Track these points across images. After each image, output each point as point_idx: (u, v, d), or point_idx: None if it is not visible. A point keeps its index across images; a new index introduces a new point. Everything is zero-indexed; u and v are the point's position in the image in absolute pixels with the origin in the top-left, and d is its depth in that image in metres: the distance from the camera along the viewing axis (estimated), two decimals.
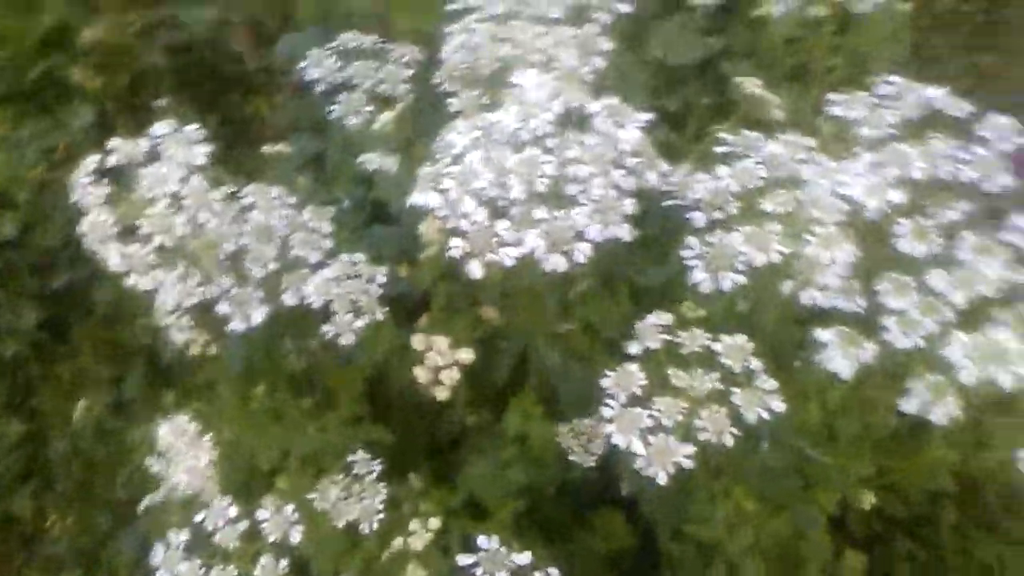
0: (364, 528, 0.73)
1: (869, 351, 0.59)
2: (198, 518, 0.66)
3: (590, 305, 0.70)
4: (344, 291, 0.73)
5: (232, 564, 0.64)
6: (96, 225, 0.62)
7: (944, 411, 0.57)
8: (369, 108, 0.87)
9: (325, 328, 0.73)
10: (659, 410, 0.55)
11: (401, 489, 0.80)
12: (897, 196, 0.60)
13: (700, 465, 0.91)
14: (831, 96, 0.68)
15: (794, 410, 0.81)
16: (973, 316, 0.58)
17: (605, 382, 0.57)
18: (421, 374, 0.64)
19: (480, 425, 0.98)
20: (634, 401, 0.56)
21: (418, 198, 0.60)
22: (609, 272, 0.71)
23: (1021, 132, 0.66)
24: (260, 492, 0.76)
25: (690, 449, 0.54)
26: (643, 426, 0.55)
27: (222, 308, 0.76)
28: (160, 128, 0.66)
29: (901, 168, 0.63)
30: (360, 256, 0.76)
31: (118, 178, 0.64)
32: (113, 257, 0.62)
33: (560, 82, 0.64)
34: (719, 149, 0.63)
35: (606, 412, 0.56)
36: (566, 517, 1.00)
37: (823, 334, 0.60)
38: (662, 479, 0.54)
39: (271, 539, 0.66)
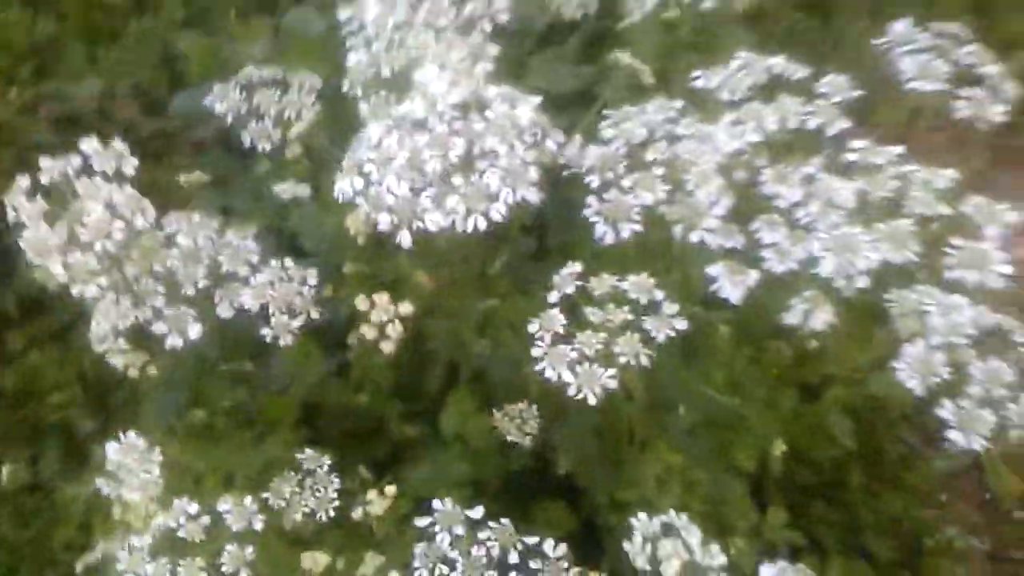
0: (321, 516, 0.76)
1: (752, 277, 0.68)
2: (158, 521, 0.69)
3: (507, 278, 0.76)
4: (279, 293, 0.78)
5: (198, 555, 0.67)
6: (37, 239, 0.65)
7: (822, 318, 0.66)
8: (277, 132, 0.94)
9: (264, 331, 0.78)
10: (581, 343, 0.62)
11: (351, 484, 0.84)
12: (754, 136, 0.70)
13: (624, 429, 0.99)
14: (695, 72, 0.78)
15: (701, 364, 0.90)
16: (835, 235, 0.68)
17: (531, 327, 0.64)
18: (367, 331, 0.69)
19: (418, 437, 1.03)
20: (558, 340, 0.63)
21: (343, 184, 0.66)
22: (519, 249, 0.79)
23: (852, 87, 0.79)
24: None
25: (612, 372, 0.61)
26: (569, 359, 0.62)
27: (158, 327, 0.79)
28: (87, 144, 0.71)
29: (758, 121, 0.73)
30: (289, 262, 0.81)
31: (50, 195, 0.68)
32: (56, 267, 0.65)
33: (457, 75, 0.71)
34: (604, 122, 0.72)
35: (535, 352, 0.63)
36: (510, 511, 1.05)
37: (712, 268, 0.69)
38: (592, 401, 0.61)
39: (235, 528, 0.69)
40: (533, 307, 0.85)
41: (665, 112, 0.72)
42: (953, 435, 0.69)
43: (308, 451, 0.80)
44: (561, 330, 0.63)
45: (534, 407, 0.93)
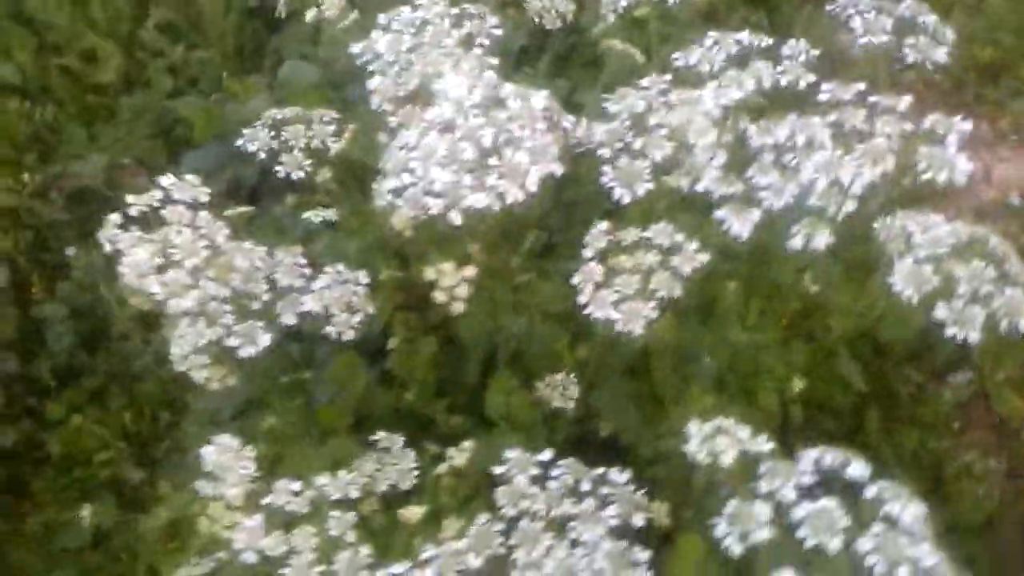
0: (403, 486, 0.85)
1: (756, 214, 0.79)
2: (266, 500, 0.77)
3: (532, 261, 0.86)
4: (338, 295, 0.88)
5: (309, 525, 0.75)
6: (135, 263, 0.74)
7: (821, 240, 0.77)
8: (308, 162, 1.04)
9: (328, 329, 0.87)
10: (620, 285, 0.72)
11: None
12: (737, 95, 0.81)
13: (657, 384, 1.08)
14: (674, 55, 0.89)
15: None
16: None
17: (574, 279, 0.74)
18: (440, 296, 0.78)
19: (464, 427, 1.12)
20: (599, 287, 0.73)
21: (391, 182, 0.76)
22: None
23: (811, 49, 0.90)
24: None
25: (652, 304, 0.71)
26: (612, 300, 0.72)
27: (231, 341, 0.88)
28: (166, 180, 0.81)
29: (738, 85, 0.85)
30: (340, 265, 0.91)
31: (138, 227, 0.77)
32: (153, 286, 0.74)
33: (473, 81, 0.82)
34: (604, 105, 0.83)
35: (581, 300, 0.73)
36: None
37: (719, 212, 0.79)
38: (639, 332, 0.71)
39: (335, 497, 0.77)
40: (555, 289, 0.95)
41: (657, 85, 0.83)
42: (950, 331, 0.78)
43: (382, 433, 0.89)
44: (600, 279, 0.73)
45: (572, 375, 1.02)
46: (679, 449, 1.08)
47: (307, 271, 0.93)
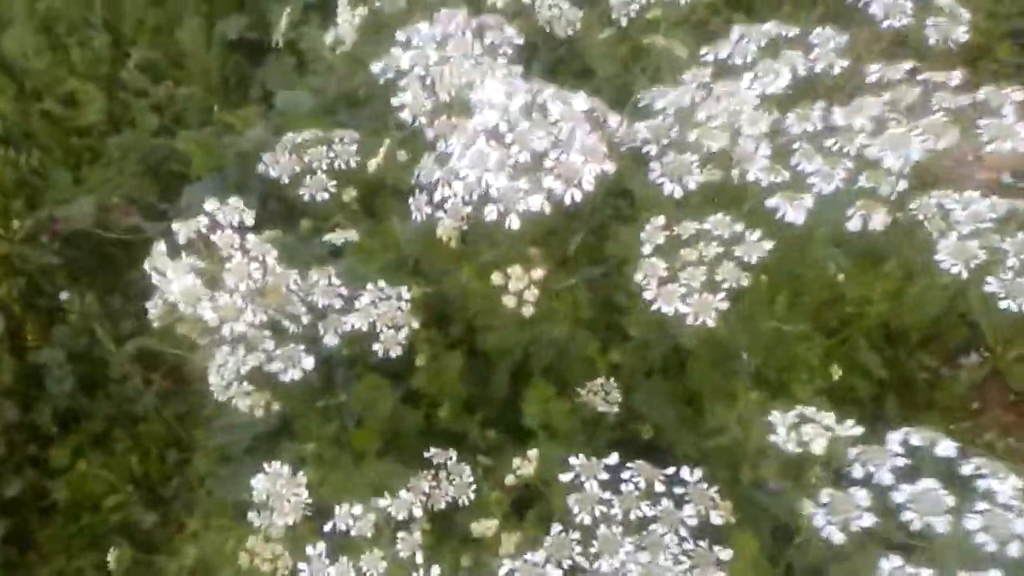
0: (463, 501, 0.83)
1: (808, 200, 0.78)
2: (328, 526, 0.75)
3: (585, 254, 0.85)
4: (383, 311, 0.86)
5: (375, 548, 0.73)
6: (187, 289, 0.71)
7: (879, 219, 0.77)
8: (332, 183, 1.02)
9: (375, 346, 0.85)
10: (687, 279, 0.71)
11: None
12: (782, 81, 0.81)
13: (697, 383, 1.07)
14: (704, 48, 0.89)
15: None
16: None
17: (637, 277, 0.73)
18: (508, 302, 0.76)
19: (498, 442, 1.10)
20: (664, 282, 0.72)
21: (443, 191, 0.75)
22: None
23: (840, 34, 0.90)
24: None
25: (721, 295, 0.70)
26: (680, 294, 0.71)
27: (274, 366, 0.86)
28: (210, 204, 0.78)
29: (774, 74, 0.85)
30: (382, 283, 0.89)
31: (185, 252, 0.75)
32: (207, 312, 0.71)
33: (510, 87, 0.81)
34: (641, 102, 0.83)
35: (647, 295, 0.72)
36: None
37: (770, 201, 0.79)
38: (710, 323, 0.70)
39: (400, 517, 0.75)
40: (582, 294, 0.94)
41: (699, 79, 0.82)
42: (1004, 304, 0.78)
43: (433, 449, 0.87)
44: (664, 273, 0.72)
45: (612, 379, 1.01)
46: (724, 445, 1.08)
47: (344, 291, 0.91)
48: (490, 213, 0.72)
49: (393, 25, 1.02)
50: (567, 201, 0.71)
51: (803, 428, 0.67)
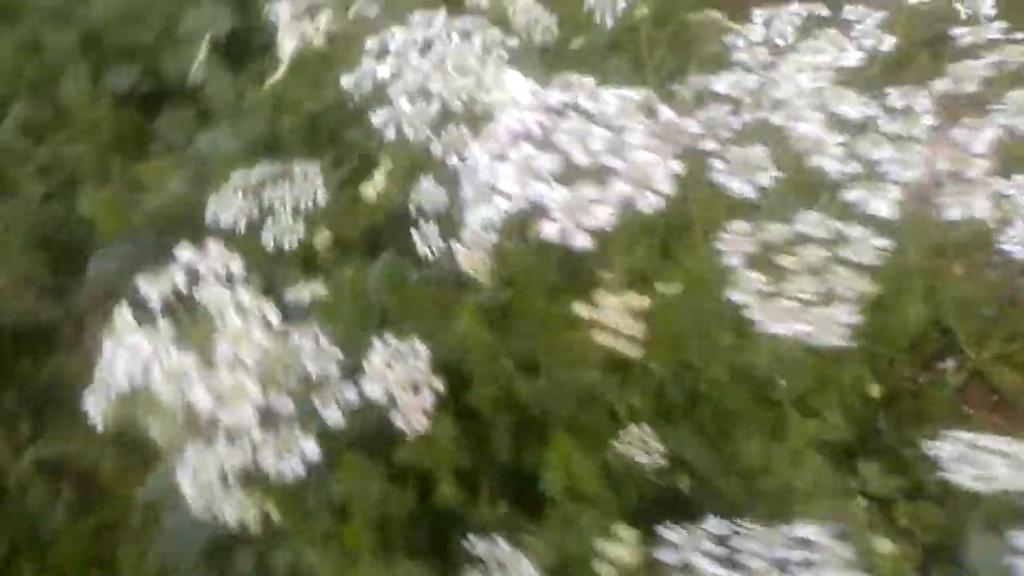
0: None
1: (894, 191, 0.67)
2: None
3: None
4: (399, 373, 0.68)
5: None
6: (171, 369, 0.52)
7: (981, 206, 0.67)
8: (299, 225, 0.85)
9: (396, 418, 0.68)
10: (796, 291, 0.58)
11: None
12: (849, 61, 0.70)
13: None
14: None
15: None
16: None
17: (730, 295, 0.59)
18: (605, 339, 0.61)
19: (509, 517, 0.96)
20: (768, 296, 0.59)
21: (482, 211, 0.59)
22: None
23: (872, 14, 0.81)
24: None
25: (846, 307, 0.58)
26: (787, 309, 0.58)
27: (266, 461, 0.67)
28: (183, 252, 0.59)
29: (817, 53, 0.74)
30: (393, 339, 0.72)
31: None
32: (200, 395, 0.53)
33: (532, 84, 0.68)
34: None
35: (749, 315, 0.58)
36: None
37: (850, 193, 0.68)
38: (836, 341, 0.57)
39: None
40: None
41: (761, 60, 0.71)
42: None
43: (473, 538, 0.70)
44: (763, 287, 0.59)
45: (645, 426, 0.87)
46: (776, 486, 0.96)
47: (339, 355, 0.74)
48: (548, 232, 0.57)
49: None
50: (645, 208, 0.58)
51: (978, 456, 0.55)
